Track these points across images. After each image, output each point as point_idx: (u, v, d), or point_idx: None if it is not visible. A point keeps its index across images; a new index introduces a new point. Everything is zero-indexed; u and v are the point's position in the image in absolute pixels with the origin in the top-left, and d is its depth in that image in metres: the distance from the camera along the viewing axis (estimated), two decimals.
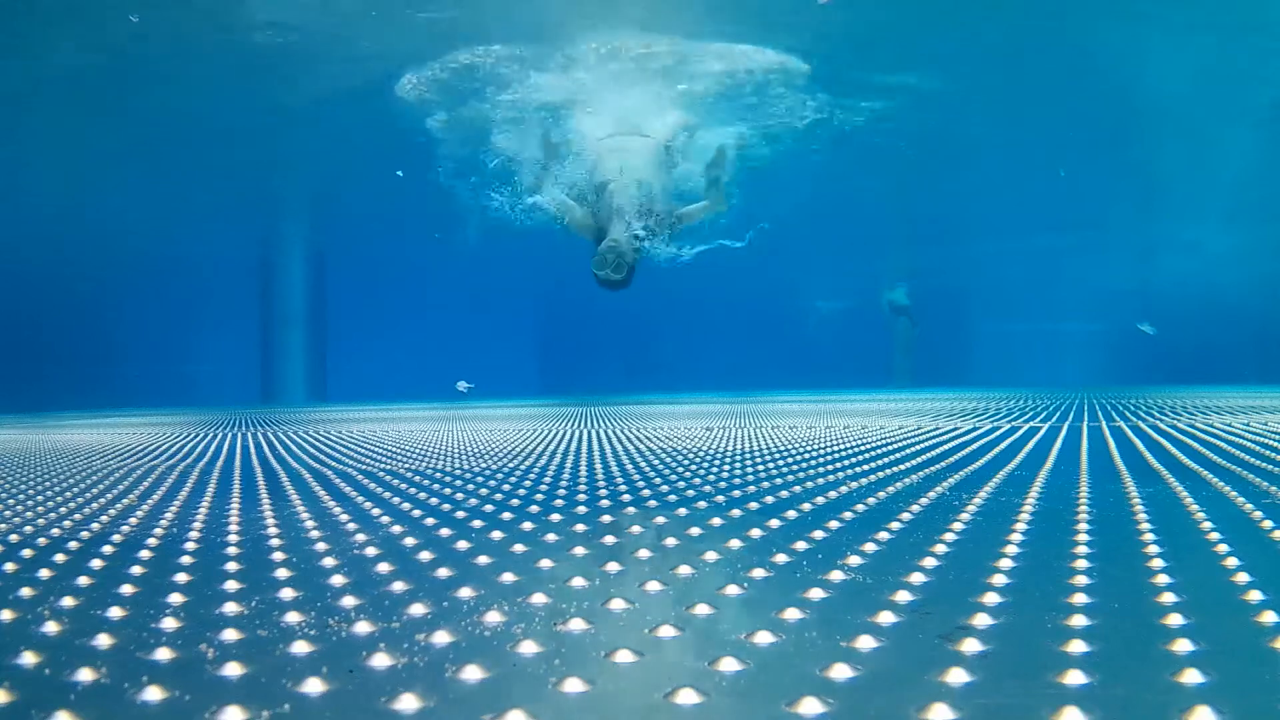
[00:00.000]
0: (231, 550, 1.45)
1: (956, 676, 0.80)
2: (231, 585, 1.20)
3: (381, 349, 20.07)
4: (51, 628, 1.02)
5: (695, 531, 1.54)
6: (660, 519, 1.68)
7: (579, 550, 1.40)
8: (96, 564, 1.36)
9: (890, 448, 2.93)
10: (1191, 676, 0.79)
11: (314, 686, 0.80)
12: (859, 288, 20.44)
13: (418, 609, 1.06)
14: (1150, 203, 16.85)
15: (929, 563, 1.25)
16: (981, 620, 0.97)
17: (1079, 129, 13.69)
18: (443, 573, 1.26)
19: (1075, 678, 0.79)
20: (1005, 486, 1.99)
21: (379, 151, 14.24)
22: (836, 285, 20.65)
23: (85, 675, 0.84)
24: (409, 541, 1.49)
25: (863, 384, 12.64)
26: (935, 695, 0.75)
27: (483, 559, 1.34)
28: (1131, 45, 11.08)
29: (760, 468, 2.46)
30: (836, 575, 1.19)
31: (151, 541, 1.54)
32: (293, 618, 1.03)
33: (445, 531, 1.58)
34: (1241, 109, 13.12)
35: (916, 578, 1.17)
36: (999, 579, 1.15)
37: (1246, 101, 12.85)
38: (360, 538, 1.53)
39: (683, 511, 1.76)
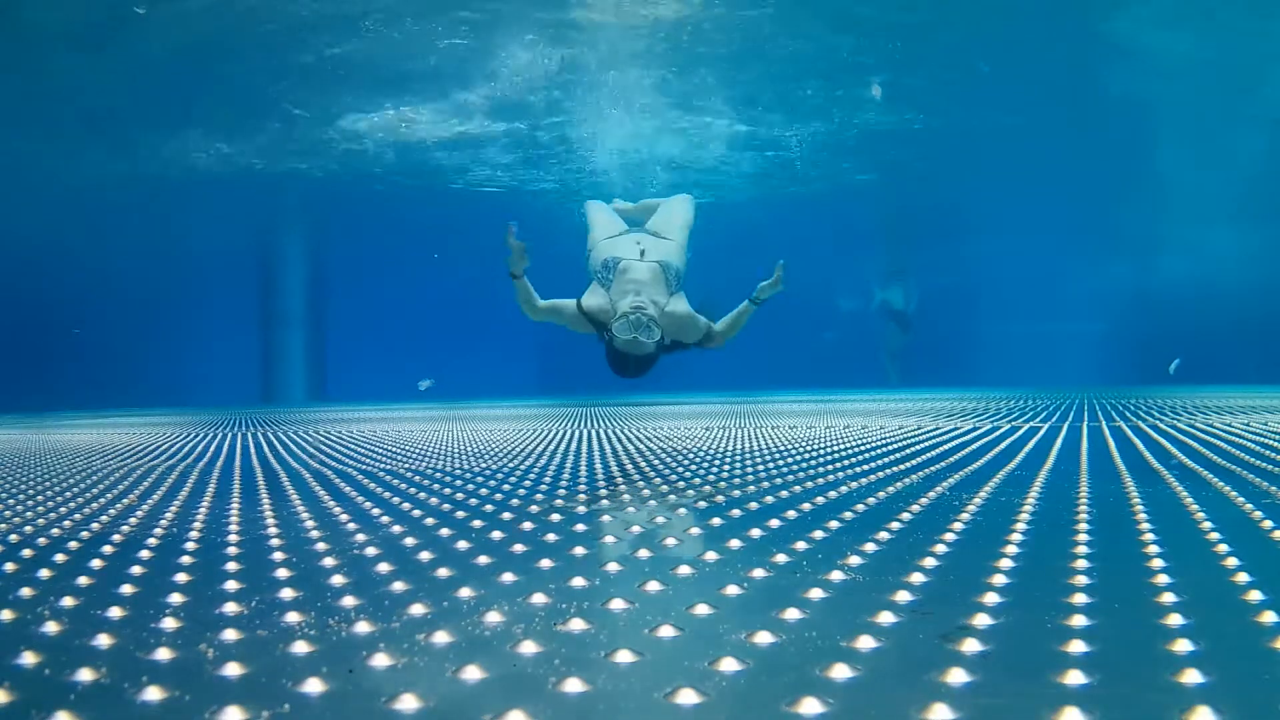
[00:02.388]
0: (231, 550, 1.45)
1: (956, 676, 0.80)
2: (231, 585, 1.20)
3: (382, 349, 20.07)
4: (51, 628, 1.02)
5: (695, 531, 1.54)
6: (660, 519, 1.68)
7: (579, 550, 1.40)
8: (96, 564, 1.36)
9: (890, 448, 2.93)
10: (1191, 676, 0.79)
11: (314, 686, 0.80)
12: (861, 287, 20.44)
13: (418, 609, 1.06)
14: (1152, 203, 16.86)
15: (929, 563, 1.25)
16: (981, 620, 0.97)
17: (1082, 129, 13.69)
18: (443, 573, 1.26)
19: (1075, 678, 0.79)
20: (1005, 486, 1.99)
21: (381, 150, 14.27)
22: (835, 284, 20.65)
23: (85, 675, 0.84)
24: (409, 541, 1.49)
25: (862, 384, 12.64)
26: (935, 695, 0.75)
27: (483, 559, 1.34)
28: (1134, 43, 11.08)
29: (760, 468, 2.46)
30: (836, 575, 1.19)
31: (151, 541, 1.54)
32: (293, 618, 1.03)
33: (445, 531, 1.58)
34: (1245, 107, 13.12)
35: (916, 578, 1.17)
36: (999, 579, 1.15)
37: (1250, 100, 12.85)
38: (360, 538, 1.53)
39: (683, 511, 1.76)
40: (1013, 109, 13.16)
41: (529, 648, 0.90)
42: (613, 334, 6.95)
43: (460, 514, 1.77)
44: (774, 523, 1.60)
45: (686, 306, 7.52)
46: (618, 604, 1.07)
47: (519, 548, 1.43)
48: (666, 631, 0.95)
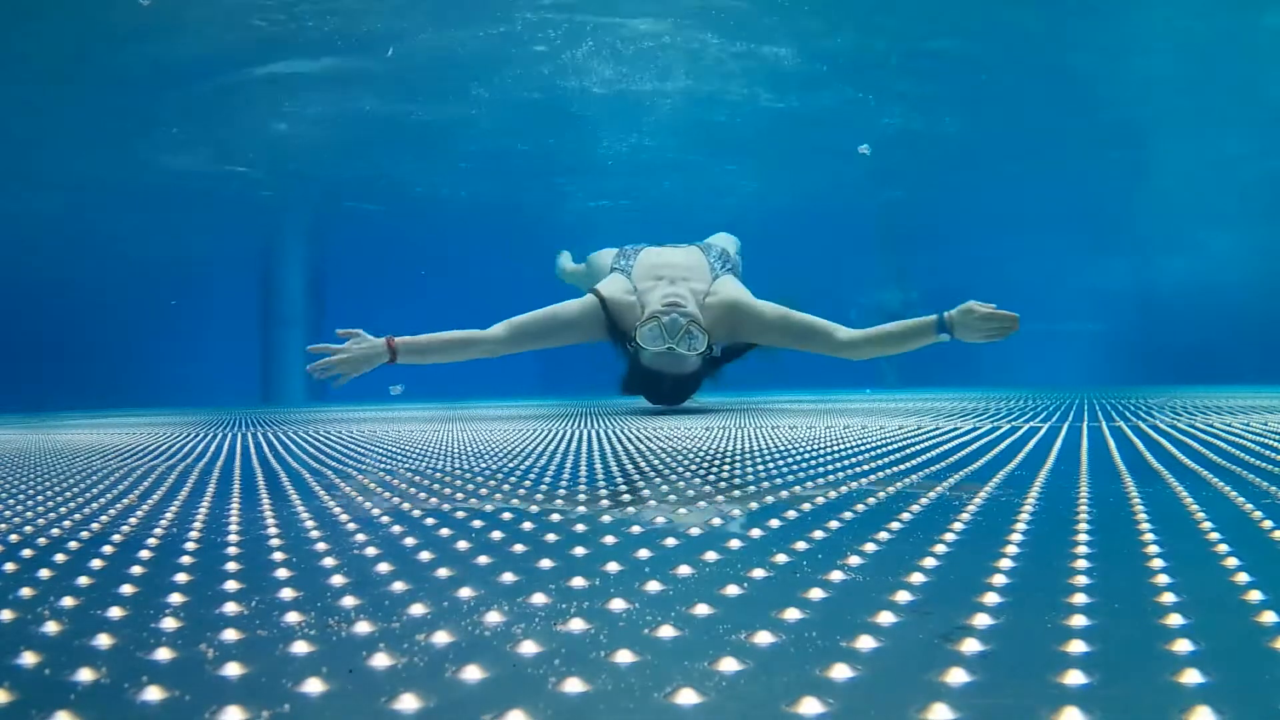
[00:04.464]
0: (231, 550, 1.45)
1: (956, 676, 0.80)
2: (231, 585, 1.20)
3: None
4: (51, 628, 1.02)
5: (695, 531, 1.54)
6: (660, 519, 1.68)
7: (579, 550, 1.40)
8: (96, 564, 1.36)
9: (890, 448, 2.93)
10: (1191, 676, 0.79)
11: (314, 686, 0.80)
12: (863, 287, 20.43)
13: (418, 609, 1.06)
14: (1151, 202, 16.86)
15: (929, 563, 1.25)
16: (981, 620, 0.97)
17: (1079, 128, 13.68)
18: (443, 573, 1.26)
19: (1075, 678, 0.79)
20: (1005, 486, 1.99)
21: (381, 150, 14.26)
22: (830, 283, 20.62)
23: (85, 675, 0.84)
24: (409, 541, 1.49)
25: (862, 384, 12.63)
26: (935, 695, 0.75)
27: (483, 559, 1.34)
28: (1129, 40, 11.08)
29: (760, 468, 2.46)
30: (836, 575, 1.19)
31: (151, 541, 1.54)
32: (293, 618, 1.03)
33: (445, 531, 1.58)
34: (1243, 105, 13.11)
35: (916, 578, 1.17)
36: (999, 579, 1.15)
37: (1248, 97, 12.85)
38: (360, 538, 1.53)
39: (683, 511, 1.76)
40: (1013, 109, 13.16)
41: (529, 648, 0.90)
42: (637, 345, 4.81)
43: (460, 514, 1.77)
44: (774, 523, 1.60)
45: (739, 288, 5.19)
46: (618, 604, 1.07)
47: (519, 548, 1.43)
48: (666, 631, 0.95)
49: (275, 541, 1.52)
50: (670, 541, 1.46)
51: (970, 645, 0.88)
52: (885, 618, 0.98)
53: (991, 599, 1.06)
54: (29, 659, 0.90)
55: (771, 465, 2.52)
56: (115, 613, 1.07)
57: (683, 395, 5.21)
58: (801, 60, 11.85)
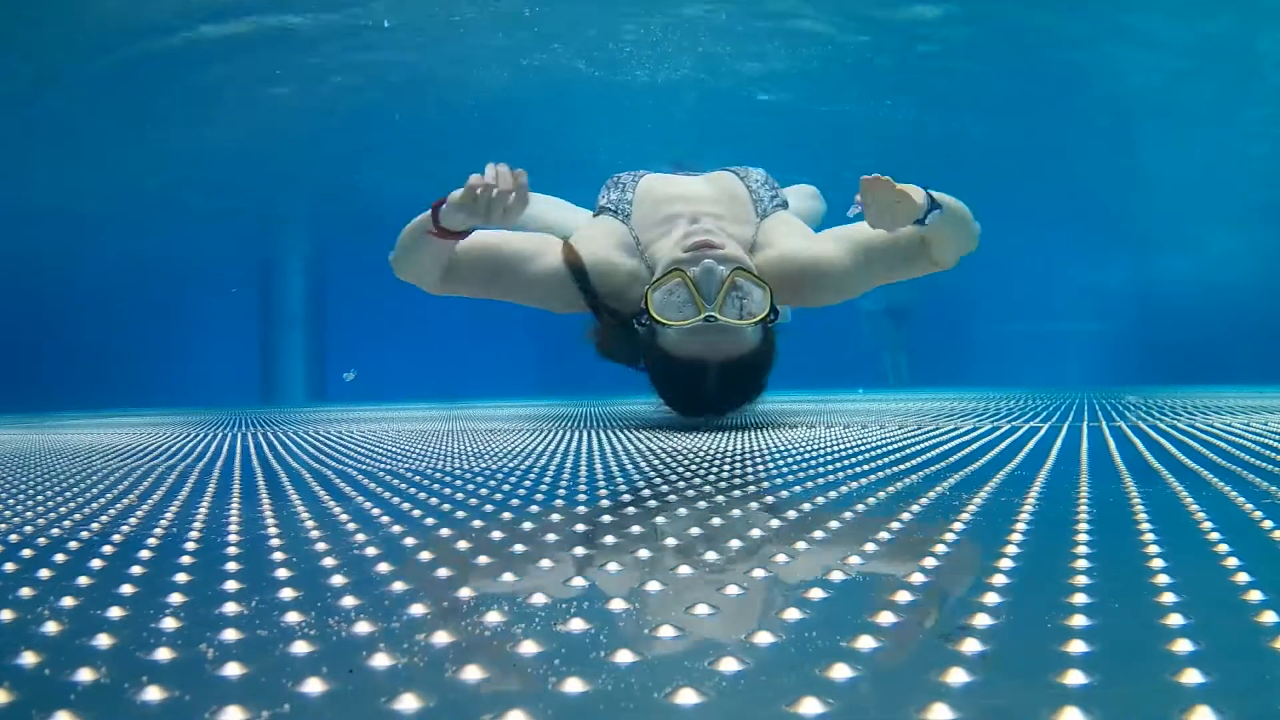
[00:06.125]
0: (231, 550, 1.45)
1: (956, 676, 0.80)
2: (231, 585, 1.20)
3: (381, 349, 20.04)
4: (51, 628, 1.02)
5: (695, 531, 1.54)
6: (660, 519, 1.68)
7: (579, 550, 1.40)
8: (96, 564, 1.36)
9: (890, 448, 2.93)
10: (1191, 676, 0.79)
11: (314, 686, 0.80)
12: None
13: (418, 609, 1.06)
14: (1151, 201, 16.85)
15: (929, 563, 1.25)
16: (981, 620, 0.97)
17: (1078, 125, 13.68)
18: (443, 573, 1.26)
19: (1075, 678, 0.79)
20: (1005, 486, 1.99)
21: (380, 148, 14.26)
22: None
23: (85, 675, 0.84)
24: (409, 541, 1.49)
25: (861, 384, 12.63)
26: (935, 695, 0.75)
27: (483, 559, 1.34)
28: (1129, 36, 11.08)
29: (760, 468, 2.46)
30: (837, 575, 1.19)
31: (151, 541, 1.54)
32: (293, 618, 1.03)
33: (445, 531, 1.58)
34: (1243, 104, 13.10)
35: (916, 578, 1.17)
36: (999, 579, 1.15)
37: (1248, 96, 12.84)
38: (360, 538, 1.53)
39: (683, 511, 1.76)
40: (1011, 107, 13.16)
41: (529, 648, 0.90)
42: (654, 320, 3.00)
43: (460, 514, 1.77)
44: (774, 523, 1.60)
45: (800, 229, 3.50)
46: (618, 604, 1.07)
47: (519, 548, 1.43)
48: (666, 631, 0.95)
49: (275, 541, 1.52)
50: (670, 541, 1.46)
51: (970, 645, 0.88)
52: (885, 618, 0.98)
53: (991, 599, 1.06)
54: (29, 659, 0.90)
55: (771, 465, 2.52)
56: (115, 613, 1.07)
57: (739, 396, 3.37)
58: (800, 60, 11.86)
